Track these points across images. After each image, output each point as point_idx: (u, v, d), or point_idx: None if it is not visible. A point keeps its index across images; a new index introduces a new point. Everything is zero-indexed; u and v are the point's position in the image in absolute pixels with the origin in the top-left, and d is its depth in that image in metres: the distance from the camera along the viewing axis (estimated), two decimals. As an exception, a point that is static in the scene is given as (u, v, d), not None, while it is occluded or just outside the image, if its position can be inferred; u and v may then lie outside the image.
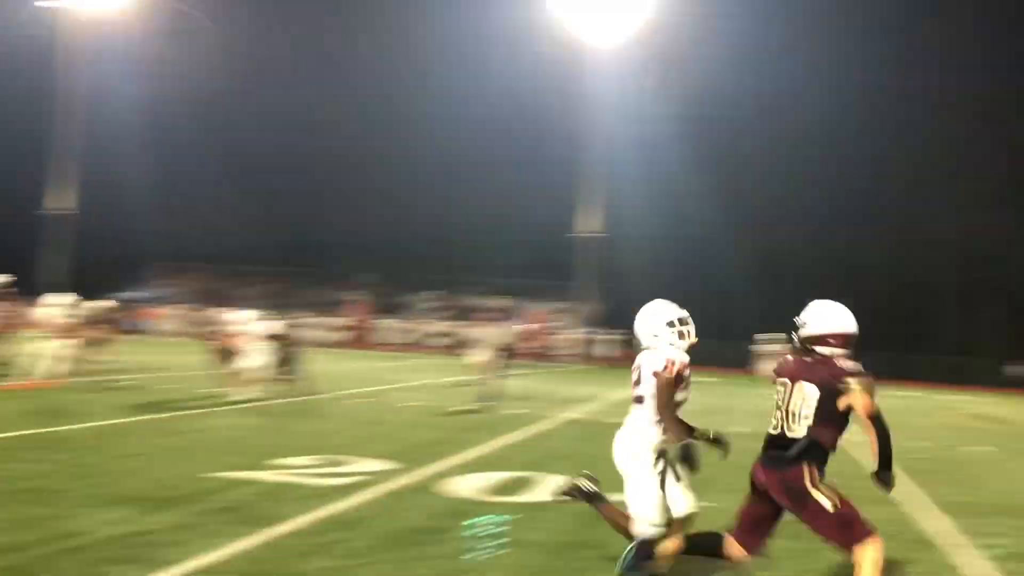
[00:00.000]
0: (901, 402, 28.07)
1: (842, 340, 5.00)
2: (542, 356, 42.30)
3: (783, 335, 42.49)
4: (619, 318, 38.57)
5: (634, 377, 5.73)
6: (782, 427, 4.95)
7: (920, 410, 25.08)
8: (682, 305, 5.86)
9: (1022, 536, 7.95)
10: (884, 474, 4.84)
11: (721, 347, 44.16)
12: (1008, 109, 54.78)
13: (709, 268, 53.56)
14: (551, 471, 9.62)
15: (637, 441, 5.63)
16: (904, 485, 10.36)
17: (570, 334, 45.75)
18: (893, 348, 47.44)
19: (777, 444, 4.96)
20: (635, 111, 51.03)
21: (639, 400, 5.69)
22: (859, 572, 4.76)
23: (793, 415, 4.91)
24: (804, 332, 5.11)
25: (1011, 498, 10.14)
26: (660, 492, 5.56)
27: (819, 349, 5.02)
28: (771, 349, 43.76)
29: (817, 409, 4.86)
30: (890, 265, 55.67)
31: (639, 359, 5.77)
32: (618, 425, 5.82)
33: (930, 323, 53.07)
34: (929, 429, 18.79)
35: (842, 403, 4.84)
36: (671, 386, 5.50)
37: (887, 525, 7.77)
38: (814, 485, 4.86)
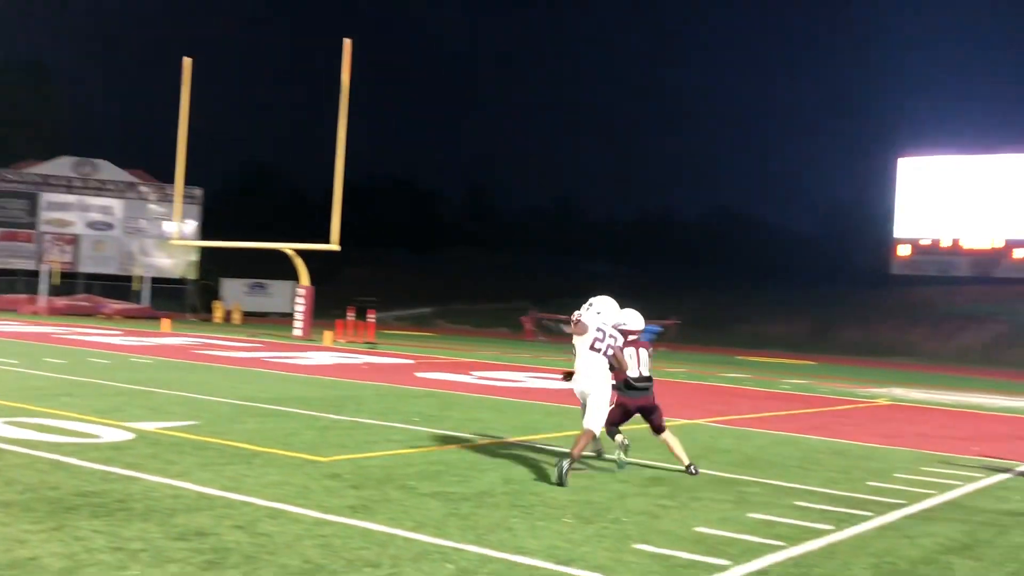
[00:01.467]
0: None
1: (637, 333, 9.37)
2: None
3: None
4: None
5: (605, 340, 8.72)
6: (640, 371, 9.18)
7: None
8: None
9: None
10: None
11: None
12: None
13: None
14: None
15: (607, 378, 8.79)
16: None
17: None
18: None
19: (641, 380, 9.18)
20: None
21: (603, 352, 8.73)
22: (673, 442, 9.25)
23: (644, 364, 9.18)
24: (625, 327, 9.18)
25: None
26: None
27: (631, 336, 9.27)
28: None
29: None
30: None
31: (611, 329, 8.83)
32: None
33: None
34: None
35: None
36: None
37: None
38: None
